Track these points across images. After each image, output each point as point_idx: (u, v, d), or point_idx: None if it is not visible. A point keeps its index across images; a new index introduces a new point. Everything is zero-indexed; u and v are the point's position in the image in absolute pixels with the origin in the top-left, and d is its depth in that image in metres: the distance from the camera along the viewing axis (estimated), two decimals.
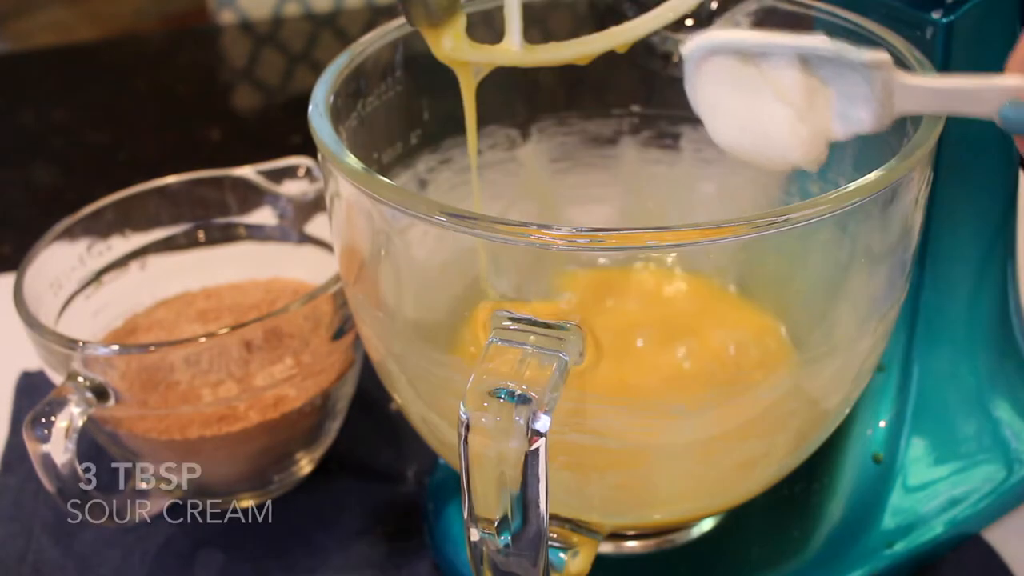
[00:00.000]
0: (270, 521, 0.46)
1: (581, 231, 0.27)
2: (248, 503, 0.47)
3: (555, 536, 0.35)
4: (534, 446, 0.26)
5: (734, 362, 0.40)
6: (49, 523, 0.46)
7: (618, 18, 0.37)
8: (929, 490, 0.43)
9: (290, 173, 0.51)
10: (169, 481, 0.45)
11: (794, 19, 0.39)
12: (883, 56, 0.28)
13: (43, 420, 0.38)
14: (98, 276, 0.48)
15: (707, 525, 0.43)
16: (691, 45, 0.30)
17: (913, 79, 0.28)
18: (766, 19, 0.40)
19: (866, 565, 0.41)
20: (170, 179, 0.50)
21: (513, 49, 0.35)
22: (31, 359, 0.46)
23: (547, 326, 0.29)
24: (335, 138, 0.32)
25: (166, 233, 0.50)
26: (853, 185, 0.29)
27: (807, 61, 0.29)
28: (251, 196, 0.51)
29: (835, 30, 0.38)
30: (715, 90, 0.30)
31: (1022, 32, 0.27)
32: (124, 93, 0.94)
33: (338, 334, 0.44)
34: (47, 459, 0.38)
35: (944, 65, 0.36)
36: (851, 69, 0.28)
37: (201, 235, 0.51)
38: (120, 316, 0.49)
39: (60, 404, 0.39)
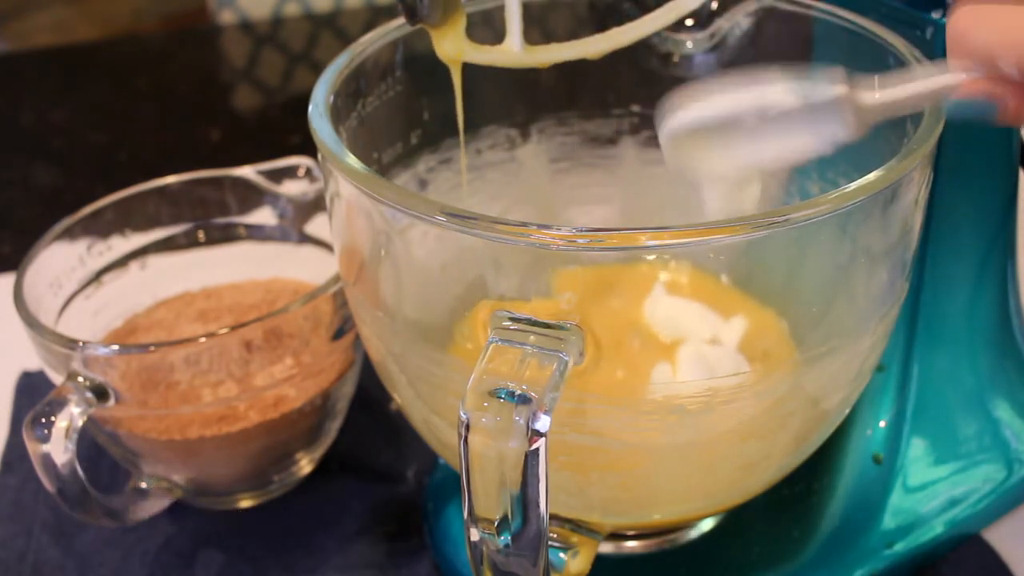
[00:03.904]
0: (270, 521, 0.46)
1: (581, 231, 0.27)
2: (248, 503, 0.47)
3: (555, 536, 0.35)
4: (534, 446, 0.26)
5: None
6: (49, 523, 0.46)
7: (618, 18, 0.37)
8: (929, 490, 0.43)
9: (290, 173, 0.51)
10: (169, 481, 0.45)
11: (794, 19, 0.39)
12: (843, 90, 0.28)
13: (43, 420, 0.38)
14: (98, 276, 0.48)
15: (707, 525, 0.43)
16: (662, 130, 0.31)
17: (873, 99, 0.28)
18: (766, 19, 0.40)
19: (866, 565, 0.41)
20: (170, 179, 0.50)
21: (514, 50, 0.35)
22: (31, 359, 0.46)
23: (547, 326, 0.28)
24: (335, 138, 0.32)
25: (166, 233, 0.50)
26: (853, 185, 0.29)
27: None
28: (251, 196, 0.51)
29: (835, 30, 0.38)
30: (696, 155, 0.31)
31: (949, 16, 0.27)
32: (124, 93, 0.94)
33: (338, 334, 0.44)
34: (47, 459, 0.38)
35: None
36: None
37: (201, 235, 0.51)
38: (120, 316, 0.49)
39: (60, 404, 0.39)
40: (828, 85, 0.28)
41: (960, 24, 0.26)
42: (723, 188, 0.32)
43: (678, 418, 0.32)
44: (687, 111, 0.30)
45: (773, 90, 0.29)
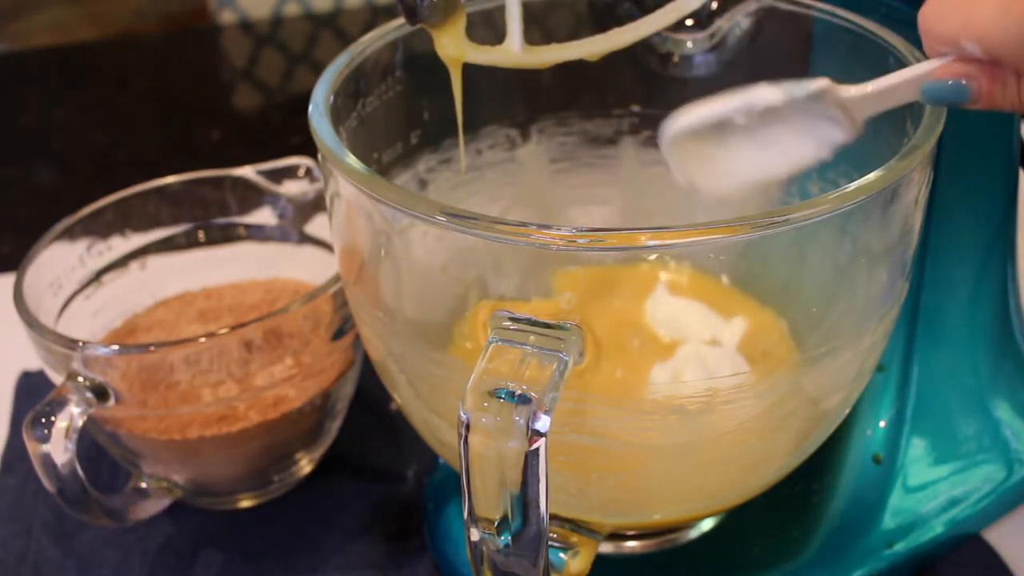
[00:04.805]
0: (270, 521, 0.46)
1: (581, 231, 0.27)
2: (248, 503, 0.47)
3: (555, 536, 0.35)
4: (534, 446, 0.26)
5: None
6: (49, 523, 0.46)
7: (618, 18, 0.37)
8: (929, 490, 0.43)
9: (290, 173, 0.51)
10: (169, 481, 0.45)
11: (794, 19, 0.39)
12: (823, 85, 0.29)
13: (43, 420, 0.38)
14: (98, 276, 0.48)
15: (707, 525, 0.43)
16: (663, 142, 0.31)
17: (852, 92, 0.29)
18: (766, 19, 0.40)
19: (866, 565, 0.41)
20: (170, 179, 0.50)
21: (514, 50, 0.35)
22: (31, 359, 0.46)
23: (547, 326, 0.28)
24: (335, 138, 0.32)
25: (166, 233, 0.50)
26: (853, 185, 0.29)
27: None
28: (251, 196, 0.51)
29: (835, 30, 0.38)
30: (698, 156, 0.31)
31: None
32: (124, 93, 0.94)
33: (338, 334, 0.44)
34: (47, 459, 0.38)
35: None
36: (807, 100, 0.29)
37: (201, 235, 0.51)
38: (120, 316, 0.49)
39: (60, 404, 0.39)
40: (809, 83, 0.29)
41: (928, 15, 0.28)
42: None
43: (678, 418, 0.32)
44: (681, 116, 0.31)
45: (758, 91, 0.30)
